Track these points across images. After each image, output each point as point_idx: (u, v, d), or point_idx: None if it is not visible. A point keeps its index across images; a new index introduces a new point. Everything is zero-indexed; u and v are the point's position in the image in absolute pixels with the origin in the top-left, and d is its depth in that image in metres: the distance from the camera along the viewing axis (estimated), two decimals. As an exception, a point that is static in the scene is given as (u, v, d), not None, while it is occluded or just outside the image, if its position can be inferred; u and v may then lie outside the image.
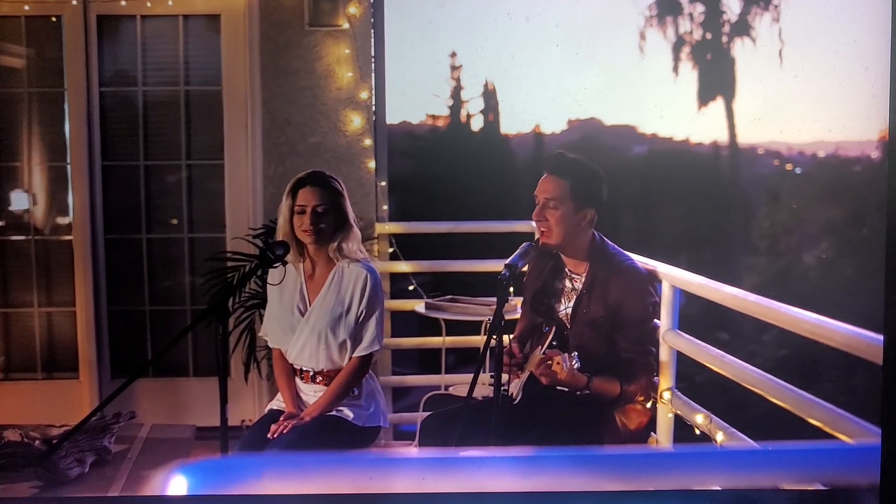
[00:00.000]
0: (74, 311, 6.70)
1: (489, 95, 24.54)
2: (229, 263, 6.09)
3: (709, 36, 19.78)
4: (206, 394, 6.71)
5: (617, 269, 4.47)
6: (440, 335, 6.39)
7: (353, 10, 6.40)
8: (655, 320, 4.63)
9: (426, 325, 6.59)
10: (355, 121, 6.47)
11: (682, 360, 4.64)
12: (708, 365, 4.34)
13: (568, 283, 4.59)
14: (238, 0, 6.50)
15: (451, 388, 6.41)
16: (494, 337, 4.02)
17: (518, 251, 4.36)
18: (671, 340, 4.57)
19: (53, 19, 6.55)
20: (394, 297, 6.73)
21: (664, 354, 4.61)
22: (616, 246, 4.58)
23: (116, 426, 4.82)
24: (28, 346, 6.79)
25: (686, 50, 20.92)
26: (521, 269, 4.37)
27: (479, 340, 6.31)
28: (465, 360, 7.49)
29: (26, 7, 6.46)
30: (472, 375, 6.18)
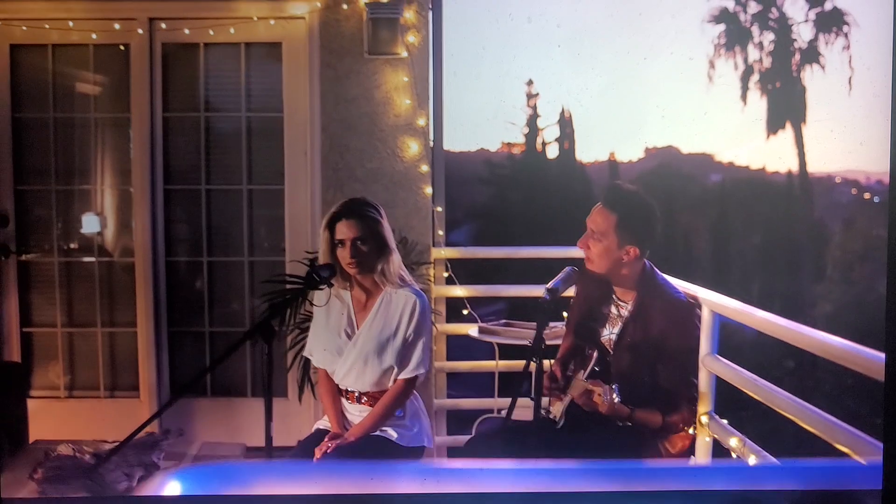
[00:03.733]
0: (136, 332, 6.83)
1: (565, 123, 24.53)
2: (288, 286, 6.16)
3: (777, 65, 19.66)
4: (262, 414, 6.78)
5: (664, 299, 4.47)
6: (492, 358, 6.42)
7: (411, 38, 6.48)
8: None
9: (483, 349, 6.63)
10: (413, 147, 6.55)
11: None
12: (744, 390, 4.35)
13: (614, 310, 4.60)
14: (299, 29, 6.63)
15: (503, 412, 6.44)
16: (534, 360, 4.05)
17: (560, 275, 4.37)
18: (710, 365, 4.58)
19: (122, 48, 6.71)
20: (449, 321, 6.77)
21: (703, 379, 4.61)
22: (665, 276, 4.58)
23: (165, 442, 4.92)
24: (91, 364, 6.94)
25: (755, 78, 20.80)
26: (562, 294, 4.38)
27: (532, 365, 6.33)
28: (518, 383, 7.51)
29: (94, 35, 6.63)
30: (523, 399, 6.26)
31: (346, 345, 4.68)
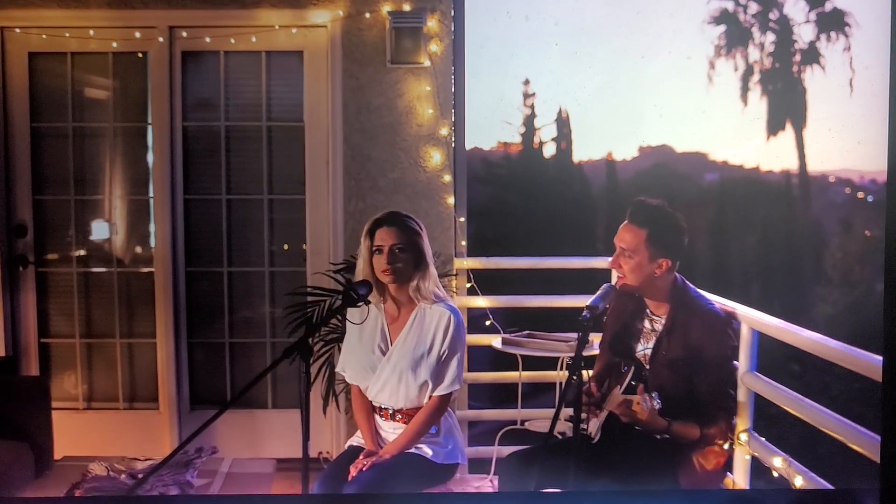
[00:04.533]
0: (155, 343, 6.78)
1: (562, 123, 24.56)
2: (310, 298, 6.12)
3: (778, 65, 19.72)
4: (284, 425, 6.77)
5: (697, 312, 4.46)
6: (516, 369, 6.37)
7: (434, 47, 6.44)
8: (735, 362, 4.62)
9: (503, 360, 6.58)
10: (435, 157, 6.51)
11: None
12: (785, 408, 4.32)
13: (648, 324, 4.58)
14: (321, 38, 6.58)
15: (526, 423, 6.41)
16: (574, 377, 3.99)
17: (599, 293, 4.34)
18: (749, 382, 4.55)
19: (140, 55, 6.65)
20: (471, 331, 6.72)
21: (742, 396, 4.59)
22: (697, 289, 4.57)
23: (199, 461, 4.87)
24: (110, 376, 6.89)
25: (755, 78, 20.84)
26: (602, 311, 4.35)
27: (555, 376, 6.31)
28: (541, 394, 7.47)
29: (114, 44, 6.57)
30: (546, 410, 6.22)
31: (380, 361, 4.64)
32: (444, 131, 6.51)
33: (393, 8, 6.44)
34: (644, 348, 4.57)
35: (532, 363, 6.34)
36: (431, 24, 6.45)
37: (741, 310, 4.69)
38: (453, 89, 6.58)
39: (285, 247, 6.86)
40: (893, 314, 1.88)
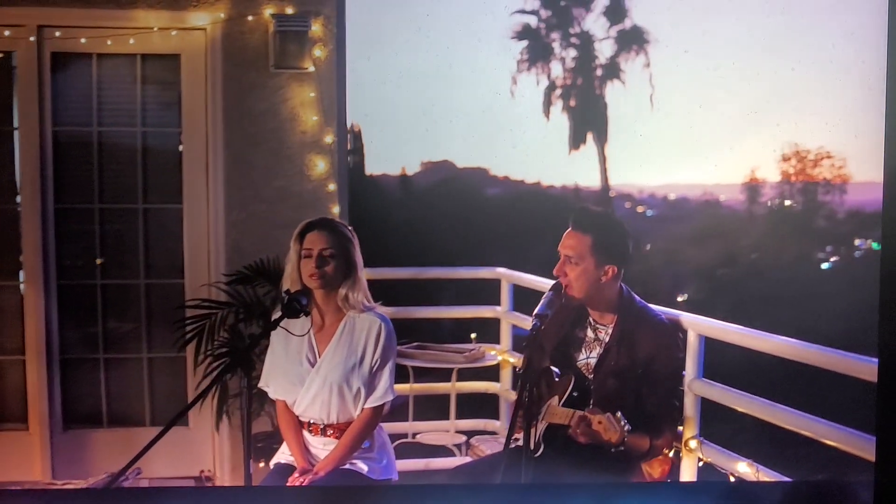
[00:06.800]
0: (24, 360, 6.41)
1: (355, 137, 24.50)
2: (190, 313, 5.94)
3: (580, 81, 20.14)
4: (163, 443, 6.48)
5: (647, 323, 4.42)
6: (405, 381, 6.29)
7: (318, 52, 6.31)
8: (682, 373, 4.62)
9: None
10: (320, 165, 6.37)
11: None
12: (739, 409, 4.36)
13: (590, 333, 4.53)
14: (198, 40, 6.36)
15: (418, 436, 6.33)
16: (526, 389, 3.93)
17: (544, 301, 4.27)
18: (698, 389, 4.56)
19: (2, 55, 6.29)
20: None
21: (689, 403, 4.59)
22: (643, 300, 4.54)
23: (126, 483, 4.62)
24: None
25: (557, 93, 21.27)
26: (550, 318, 4.29)
27: (447, 388, 6.25)
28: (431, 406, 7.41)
29: (-21, 43, 6.20)
30: (439, 423, 6.16)
31: (308, 372, 4.48)
32: (328, 139, 6.38)
33: (276, 11, 6.26)
34: (586, 357, 4.52)
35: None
36: (316, 28, 6.31)
37: (685, 316, 4.69)
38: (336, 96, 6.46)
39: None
40: (888, 316, 1.91)
